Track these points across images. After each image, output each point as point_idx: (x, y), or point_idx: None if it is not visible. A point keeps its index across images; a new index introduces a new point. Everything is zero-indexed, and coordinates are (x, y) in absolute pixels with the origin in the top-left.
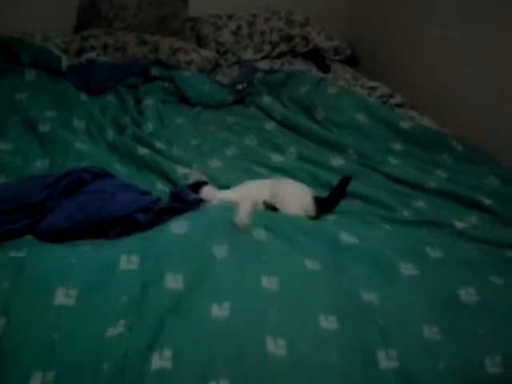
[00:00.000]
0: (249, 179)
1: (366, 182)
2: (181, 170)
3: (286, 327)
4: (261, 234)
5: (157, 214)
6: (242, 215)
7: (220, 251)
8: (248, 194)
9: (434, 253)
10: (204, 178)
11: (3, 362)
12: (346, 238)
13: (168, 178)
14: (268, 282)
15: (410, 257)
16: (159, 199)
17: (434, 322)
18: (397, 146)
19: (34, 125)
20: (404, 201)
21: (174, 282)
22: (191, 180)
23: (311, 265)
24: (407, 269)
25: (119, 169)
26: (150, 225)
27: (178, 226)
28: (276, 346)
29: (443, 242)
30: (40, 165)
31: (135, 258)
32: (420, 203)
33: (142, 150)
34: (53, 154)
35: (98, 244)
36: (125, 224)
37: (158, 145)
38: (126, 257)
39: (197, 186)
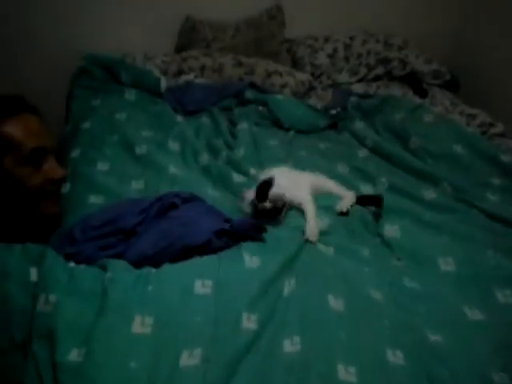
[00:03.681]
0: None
1: (460, 218)
2: None
3: (355, 354)
4: (329, 250)
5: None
6: (313, 231)
7: (289, 283)
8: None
9: (504, 297)
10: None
11: None
12: (409, 279)
13: None
14: (335, 302)
15: (476, 300)
16: None
17: (503, 367)
18: (496, 181)
19: (131, 145)
20: (496, 241)
21: (248, 321)
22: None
23: (374, 294)
24: (474, 314)
25: (212, 194)
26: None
27: (250, 259)
28: (347, 373)
29: None
30: (135, 187)
31: (209, 282)
32: None
33: (237, 178)
34: (147, 177)
35: (174, 267)
36: (205, 250)
37: (251, 170)
38: (201, 281)
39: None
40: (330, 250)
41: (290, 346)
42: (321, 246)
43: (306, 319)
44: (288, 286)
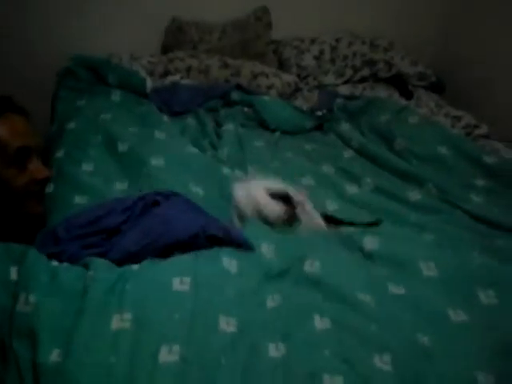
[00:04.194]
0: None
1: (445, 219)
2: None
3: (341, 364)
4: (315, 265)
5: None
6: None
7: (272, 297)
8: None
9: (487, 298)
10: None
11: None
12: (394, 284)
13: None
14: (321, 322)
15: (460, 301)
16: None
17: (488, 368)
18: (480, 182)
19: (115, 144)
20: (480, 242)
21: (227, 325)
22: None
23: (364, 298)
24: (457, 315)
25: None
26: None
27: (229, 262)
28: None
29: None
30: (119, 187)
31: (187, 279)
32: (499, 244)
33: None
34: (131, 175)
35: (152, 266)
36: (188, 246)
37: (235, 169)
38: (179, 278)
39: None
40: (316, 262)
41: (275, 350)
42: None
43: (290, 337)
44: (272, 301)
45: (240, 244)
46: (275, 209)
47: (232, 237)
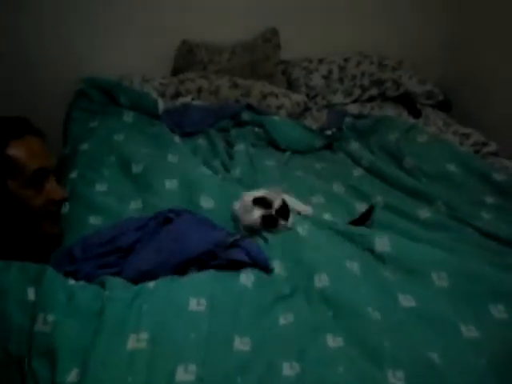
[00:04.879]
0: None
1: (455, 237)
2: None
3: (355, 380)
4: (324, 281)
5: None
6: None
7: (285, 317)
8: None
9: (498, 313)
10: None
11: None
12: (404, 296)
13: None
14: (333, 341)
15: (471, 317)
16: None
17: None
18: (489, 199)
19: (129, 165)
20: (491, 258)
21: (241, 344)
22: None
23: (374, 315)
24: (469, 331)
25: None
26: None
27: (246, 278)
28: None
29: None
30: (134, 206)
31: (203, 301)
32: (510, 261)
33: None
34: (145, 195)
35: (169, 285)
36: (201, 261)
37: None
38: (196, 299)
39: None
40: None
41: (290, 369)
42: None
43: (304, 355)
44: (284, 319)
45: (261, 265)
46: (251, 218)
47: (256, 260)
